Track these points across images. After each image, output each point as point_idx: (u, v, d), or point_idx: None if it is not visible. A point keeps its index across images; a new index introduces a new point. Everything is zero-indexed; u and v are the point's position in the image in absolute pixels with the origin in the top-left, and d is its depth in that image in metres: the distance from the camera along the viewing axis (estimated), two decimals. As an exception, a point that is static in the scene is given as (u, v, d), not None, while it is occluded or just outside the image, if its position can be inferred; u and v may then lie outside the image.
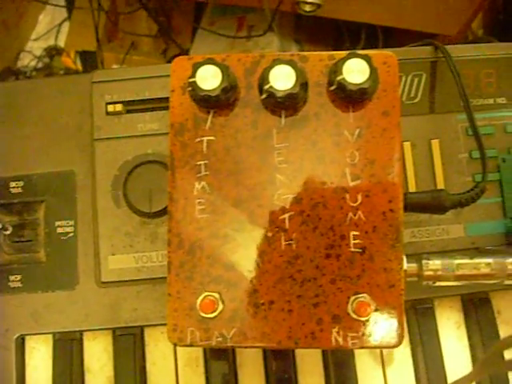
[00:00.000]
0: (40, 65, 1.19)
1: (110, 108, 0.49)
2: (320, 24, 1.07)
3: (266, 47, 1.06)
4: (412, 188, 0.48)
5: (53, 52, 1.20)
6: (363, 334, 0.38)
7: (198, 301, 0.38)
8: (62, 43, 1.20)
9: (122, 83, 0.49)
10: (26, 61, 1.19)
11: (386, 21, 0.91)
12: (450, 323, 0.50)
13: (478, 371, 0.33)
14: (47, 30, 1.22)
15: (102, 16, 1.07)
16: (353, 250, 0.38)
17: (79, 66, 1.16)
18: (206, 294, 0.38)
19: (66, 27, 1.21)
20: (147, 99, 0.49)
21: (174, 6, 1.12)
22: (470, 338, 0.50)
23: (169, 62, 1.14)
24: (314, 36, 1.12)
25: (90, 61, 1.15)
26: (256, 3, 0.94)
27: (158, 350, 0.49)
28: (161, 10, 1.10)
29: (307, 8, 0.88)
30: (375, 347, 0.38)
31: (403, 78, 0.50)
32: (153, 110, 0.49)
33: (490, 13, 1.00)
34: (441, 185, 0.48)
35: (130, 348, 0.49)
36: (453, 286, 0.41)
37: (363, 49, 1.04)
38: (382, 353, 0.49)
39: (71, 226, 0.48)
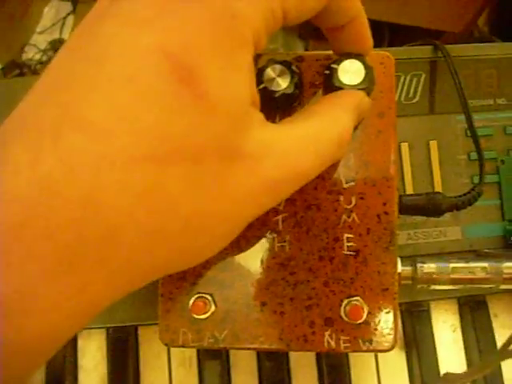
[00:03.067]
0: (45, 58, 1.19)
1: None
2: (325, 20, 1.06)
3: (271, 43, 1.06)
4: (409, 189, 0.48)
5: (58, 45, 1.20)
6: (355, 338, 0.37)
7: (190, 302, 0.38)
8: (66, 36, 1.20)
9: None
10: (31, 54, 1.19)
11: (390, 17, 0.90)
12: (446, 326, 0.50)
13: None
14: (52, 24, 1.22)
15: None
16: (346, 252, 0.38)
17: (84, 60, 1.16)
18: (199, 295, 0.38)
19: (70, 20, 1.21)
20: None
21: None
22: (465, 341, 0.50)
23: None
24: (319, 32, 1.11)
25: (94, 54, 1.15)
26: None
27: (152, 350, 0.49)
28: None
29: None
30: (368, 351, 0.38)
31: (402, 78, 0.49)
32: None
33: (495, 10, 0.99)
34: (438, 186, 0.48)
35: (123, 347, 0.49)
36: (449, 289, 0.41)
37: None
38: (376, 355, 0.49)
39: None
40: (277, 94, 0.36)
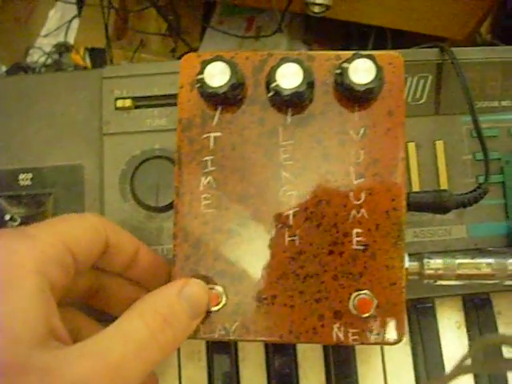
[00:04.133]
0: (49, 61, 1.20)
1: (119, 103, 0.49)
2: (329, 25, 1.07)
3: (275, 48, 1.07)
4: (416, 188, 0.48)
5: (62, 48, 1.20)
6: (364, 331, 0.38)
7: (202, 294, 0.39)
8: (71, 40, 1.21)
9: (131, 79, 0.50)
10: (36, 57, 1.20)
11: (394, 23, 0.91)
12: (451, 323, 0.51)
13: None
14: (57, 27, 1.22)
15: (112, 14, 1.07)
16: (355, 247, 0.39)
17: (88, 63, 1.17)
18: (210, 287, 0.39)
19: (75, 24, 1.21)
20: (156, 95, 0.49)
21: (184, 5, 1.12)
22: (470, 338, 0.50)
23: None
24: (323, 37, 1.13)
25: (99, 58, 1.16)
26: (265, 3, 0.95)
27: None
28: (170, 8, 1.10)
29: (316, 9, 0.88)
30: (375, 343, 0.38)
31: (409, 80, 0.50)
32: (161, 106, 0.49)
33: (498, 18, 1.00)
34: (444, 185, 0.49)
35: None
36: (454, 286, 0.41)
37: (372, 50, 1.05)
38: (382, 350, 0.50)
39: (78, 218, 0.48)
40: (289, 92, 0.37)
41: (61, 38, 1.22)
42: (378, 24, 0.95)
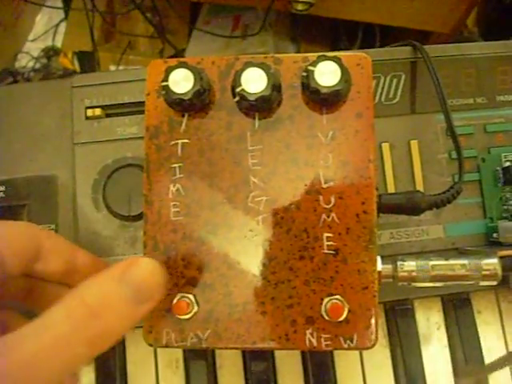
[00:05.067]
0: (38, 65, 1.19)
1: (90, 112, 0.49)
2: (317, 23, 1.07)
3: (261, 46, 1.06)
4: (391, 189, 0.48)
5: (50, 53, 1.20)
6: (336, 336, 0.38)
7: (173, 302, 0.38)
8: (59, 44, 1.21)
9: (101, 87, 0.49)
10: (24, 62, 1.20)
11: (378, 19, 0.91)
12: (430, 324, 0.50)
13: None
14: (44, 31, 1.22)
15: (99, 17, 1.07)
16: (326, 251, 0.38)
17: (77, 67, 1.17)
18: (181, 295, 0.38)
19: (63, 28, 1.21)
20: (126, 103, 0.49)
21: (169, 7, 1.12)
22: (449, 338, 0.50)
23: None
24: (311, 35, 1.12)
25: (87, 61, 1.15)
26: (249, 2, 0.95)
27: (139, 352, 0.50)
28: (156, 10, 1.10)
29: (299, 7, 0.88)
30: (348, 349, 0.38)
31: (382, 79, 0.50)
32: (132, 113, 0.49)
33: (484, 10, 1.00)
34: (420, 185, 0.48)
35: (110, 349, 0.49)
36: (432, 287, 0.41)
37: (360, 48, 1.05)
38: (361, 353, 0.49)
39: (52, 229, 0.48)
40: (254, 97, 0.37)
41: (49, 42, 1.22)
42: (363, 20, 0.95)
